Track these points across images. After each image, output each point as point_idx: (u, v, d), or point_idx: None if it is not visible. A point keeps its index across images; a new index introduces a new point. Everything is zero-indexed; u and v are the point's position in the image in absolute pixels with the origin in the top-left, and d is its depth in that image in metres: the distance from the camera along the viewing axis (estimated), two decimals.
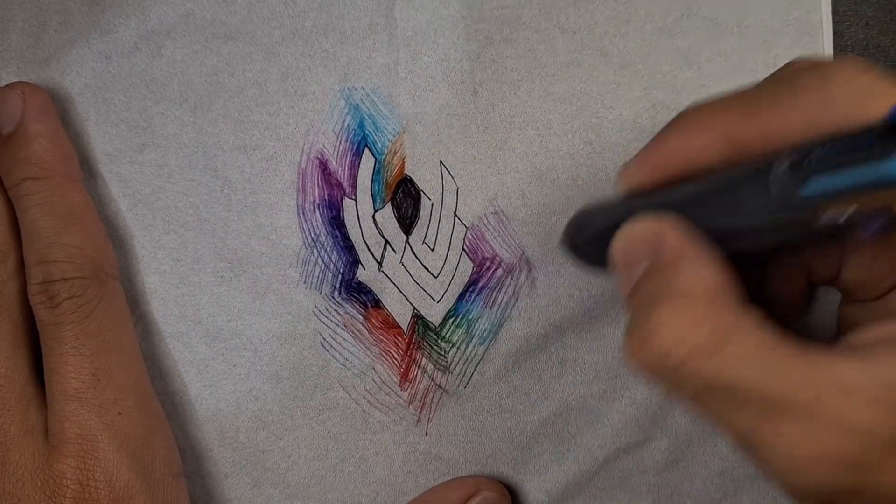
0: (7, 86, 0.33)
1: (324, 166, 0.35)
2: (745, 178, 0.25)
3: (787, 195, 0.24)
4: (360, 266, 0.36)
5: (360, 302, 0.36)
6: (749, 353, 0.23)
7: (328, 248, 0.35)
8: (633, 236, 0.27)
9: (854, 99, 0.24)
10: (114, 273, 0.34)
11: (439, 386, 0.36)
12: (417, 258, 0.36)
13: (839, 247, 0.30)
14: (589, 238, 0.31)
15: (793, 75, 0.26)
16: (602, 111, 0.35)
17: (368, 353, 0.36)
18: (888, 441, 0.22)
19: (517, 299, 0.36)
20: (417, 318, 0.36)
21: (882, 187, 0.22)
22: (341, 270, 0.35)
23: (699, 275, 0.25)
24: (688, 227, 0.26)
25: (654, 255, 0.26)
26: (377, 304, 0.36)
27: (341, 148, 0.35)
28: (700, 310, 0.24)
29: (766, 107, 0.26)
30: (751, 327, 0.24)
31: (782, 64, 0.27)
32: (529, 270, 0.36)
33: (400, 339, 0.36)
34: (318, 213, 0.35)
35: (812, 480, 0.23)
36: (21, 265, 0.33)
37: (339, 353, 0.36)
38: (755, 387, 0.23)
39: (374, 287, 0.36)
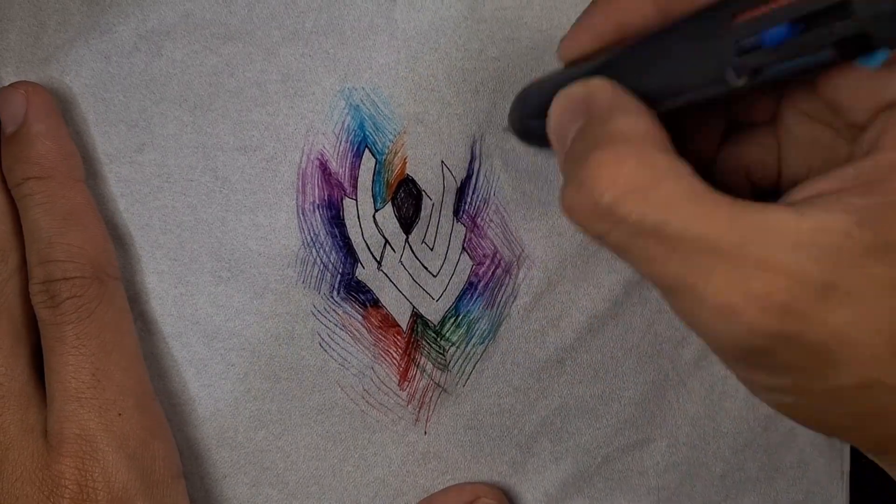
0: (10, 85, 0.33)
1: (324, 167, 0.35)
2: (674, 34, 0.26)
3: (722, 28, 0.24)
4: (359, 265, 0.36)
5: (359, 301, 0.36)
6: (679, 195, 0.23)
7: (327, 248, 0.35)
8: (566, 101, 0.27)
9: None
10: (115, 273, 0.34)
11: (438, 384, 0.36)
12: (416, 257, 0.36)
13: (775, 137, 0.30)
14: (532, 113, 0.31)
15: None
16: None
17: (367, 352, 0.36)
18: (817, 287, 0.22)
19: (516, 298, 0.36)
20: (416, 316, 0.36)
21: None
22: (340, 270, 0.35)
23: (631, 121, 0.25)
24: (619, 86, 0.26)
25: (586, 115, 0.26)
26: (376, 303, 0.36)
27: (342, 149, 0.35)
28: (633, 153, 0.24)
29: None
30: (682, 173, 0.24)
31: None
32: (528, 269, 0.36)
33: (399, 338, 0.36)
34: (317, 213, 0.35)
35: (738, 328, 0.23)
36: (23, 264, 0.33)
37: (338, 353, 0.36)
38: (683, 229, 0.23)
39: (373, 286, 0.36)
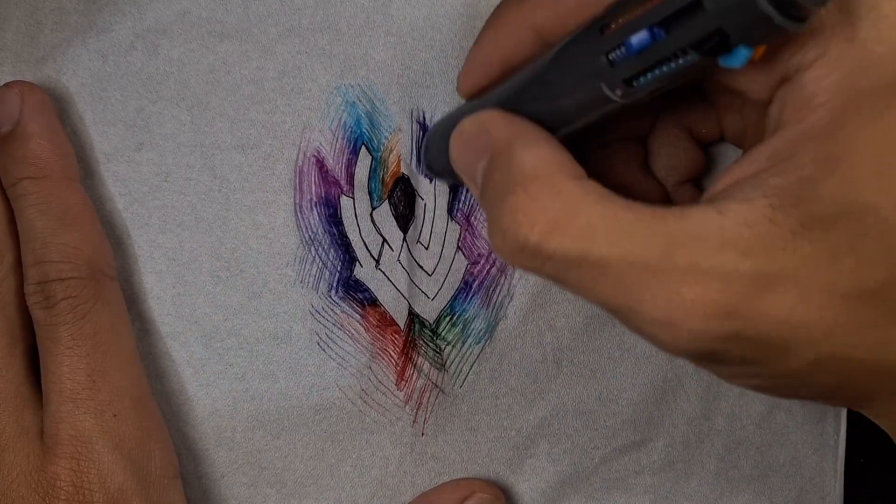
0: (5, 85, 0.33)
1: (321, 164, 0.35)
2: (556, 59, 0.26)
3: (593, 55, 0.24)
4: (357, 264, 0.35)
5: (357, 300, 0.36)
6: (597, 220, 0.23)
7: (325, 246, 0.35)
8: (462, 139, 0.28)
9: None
10: (111, 273, 0.34)
11: (435, 385, 0.36)
12: (413, 256, 0.36)
13: (710, 96, 0.30)
14: (439, 153, 0.31)
15: None
16: None
17: (365, 352, 0.36)
18: (751, 281, 0.22)
19: (512, 298, 0.36)
20: (413, 315, 0.36)
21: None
22: (338, 268, 0.35)
23: (533, 156, 0.25)
24: (510, 115, 0.27)
25: (487, 150, 0.27)
26: (374, 302, 0.36)
27: (338, 146, 0.35)
28: (543, 190, 0.24)
29: None
30: (596, 198, 0.24)
31: None
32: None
33: (397, 337, 0.36)
34: (315, 211, 0.35)
35: (683, 336, 0.23)
36: (18, 265, 0.33)
37: (336, 353, 0.36)
38: (606, 254, 0.23)
39: (371, 285, 0.36)
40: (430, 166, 0.34)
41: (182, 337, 0.35)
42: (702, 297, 0.22)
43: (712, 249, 0.22)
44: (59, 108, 0.34)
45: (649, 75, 0.23)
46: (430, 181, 0.36)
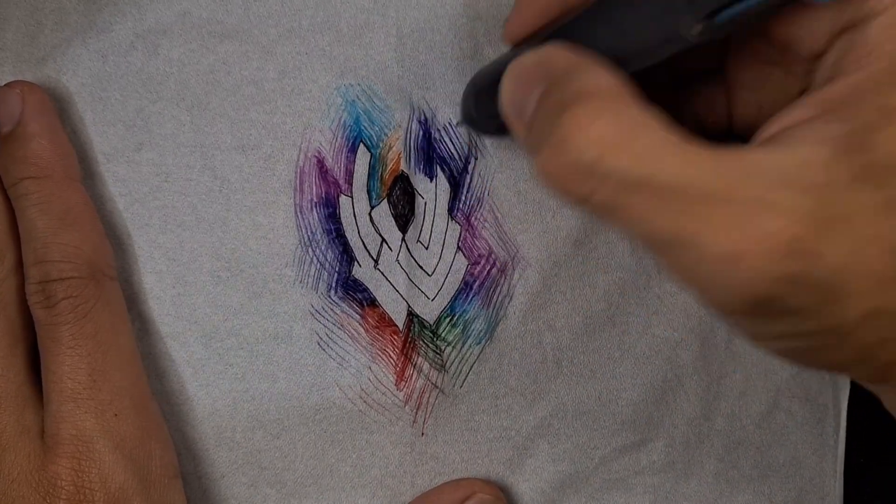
0: (6, 85, 0.33)
1: (321, 164, 0.35)
2: None
3: None
4: (356, 264, 0.35)
5: (356, 300, 0.36)
6: (661, 146, 0.22)
7: (324, 246, 0.35)
8: (519, 70, 0.27)
9: None
10: (111, 273, 0.34)
11: (435, 385, 0.36)
12: (412, 256, 0.36)
13: (723, 82, 0.30)
14: (484, 98, 0.30)
15: None
16: None
17: (365, 352, 0.36)
18: (815, 222, 0.21)
19: (511, 298, 0.36)
20: (413, 316, 0.36)
21: None
22: (337, 269, 0.35)
23: (596, 78, 0.24)
24: (572, 46, 0.25)
25: (546, 78, 0.25)
26: (373, 302, 0.36)
27: (337, 145, 0.35)
28: (607, 107, 0.23)
29: None
30: (661, 123, 0.23)
31: None
32: (524, 269, 0.36)
33: (396, 337, 0.36)
34: (315, 211, 0.35)
35: (744, 275, 0.22)
36: (19, 264, 0.33)
37: (336, 353, 0.36)
38: (672, 179, 0.22)
39: (370, 285, 0.36)
40: (469, 114, 0.33)
41: (182, 337, 0.35)
42: (769, 231, 0.21)
43: (777, 186, 0.21)
44: (59, 108, 0.34)
45: (731, 10, 0.22)
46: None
